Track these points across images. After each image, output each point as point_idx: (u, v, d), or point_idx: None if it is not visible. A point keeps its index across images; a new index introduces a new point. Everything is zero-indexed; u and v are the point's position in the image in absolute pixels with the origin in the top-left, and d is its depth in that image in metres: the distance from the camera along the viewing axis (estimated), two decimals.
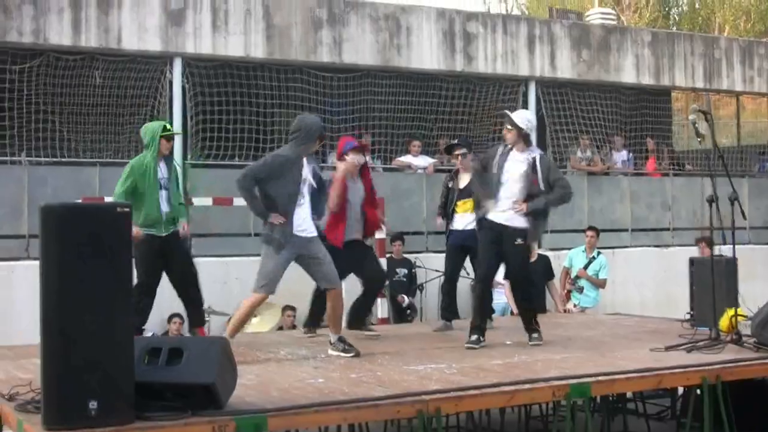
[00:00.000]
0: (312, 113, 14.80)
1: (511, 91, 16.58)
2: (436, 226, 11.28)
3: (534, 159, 8.98)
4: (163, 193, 9.40)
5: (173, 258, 9.46)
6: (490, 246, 8.99)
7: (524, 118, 9.15)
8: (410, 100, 15.80)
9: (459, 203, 10.45)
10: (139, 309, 9.44)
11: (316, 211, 8.46)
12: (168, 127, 9.60)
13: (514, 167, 8.96)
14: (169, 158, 9.56)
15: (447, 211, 10.67)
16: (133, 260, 9.37)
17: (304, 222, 8.22)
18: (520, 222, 8.93)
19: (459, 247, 10.47)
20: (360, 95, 15.51)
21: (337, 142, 15.31)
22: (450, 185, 10.69)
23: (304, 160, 8.22)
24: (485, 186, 9.12)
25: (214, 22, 14.32)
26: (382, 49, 15.55)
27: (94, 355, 5.07)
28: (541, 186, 8.95)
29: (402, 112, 15.71)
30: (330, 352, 8.21)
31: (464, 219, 10.33)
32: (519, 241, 8.95)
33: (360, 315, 9.92)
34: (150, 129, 9.53)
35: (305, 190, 8.24)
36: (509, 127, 9.00)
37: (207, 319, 12.15)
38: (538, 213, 9.01)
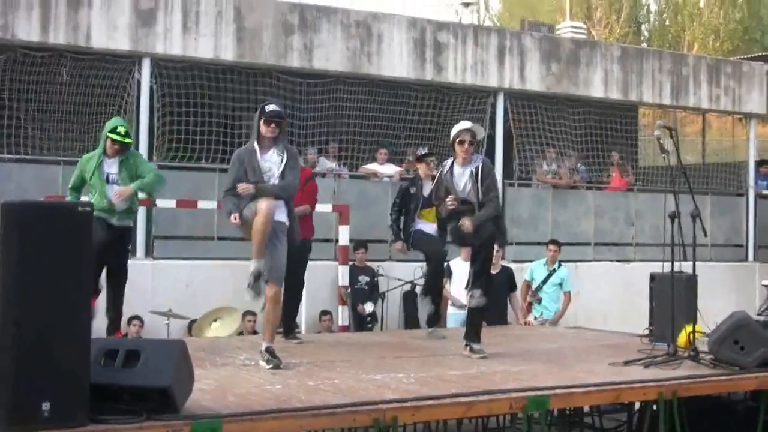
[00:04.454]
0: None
1: (479, 102, 16.61)
2: (397, 249, 11.10)
3: (473, 168, 8.94)
4: (113, 189, 9.42)
5: (113, 253, 9.42)
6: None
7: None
8: (379, 108, 15.78)
9: (423, 212, 10.46)
10: None
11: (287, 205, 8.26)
12: (119, 129, 9.47)
13: (464, 185, 8.95)
14: (124, 158, 9.51)
15: (407, 221, 10.67)
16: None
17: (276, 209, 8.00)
18: None
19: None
20: (329, 101, 15.49)
21: (304, 148, 15.45)
22: (413, 191, 10.67)
23: (271, 152, 8.11)
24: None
25: (185, 23, 14.27)
26: (353, 56, 15.55)
27: (49, 355, 5.03)
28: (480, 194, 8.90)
29: (370, 119, 15.69)
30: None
31: (429, 226, 10.37)
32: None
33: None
34: (106, 124, 9.67)
35: (274, 181, 8.08)
36: (471, 141, 8.98)
37: (166, 322, 12.18)
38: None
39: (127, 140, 9.54)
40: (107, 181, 9.44)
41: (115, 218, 9.46)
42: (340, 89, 15.53)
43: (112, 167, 9.47)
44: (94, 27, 13.75)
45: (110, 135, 9.41)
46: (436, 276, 10.63)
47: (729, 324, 8.30)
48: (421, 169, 10.81)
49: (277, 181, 8.09)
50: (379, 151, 15.84)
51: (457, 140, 8.94)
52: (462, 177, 8.92)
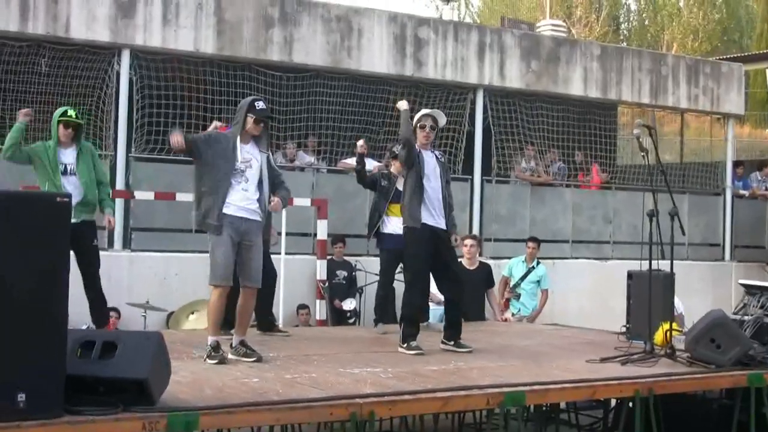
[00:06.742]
0: None
1: (459, 98, 16.61)
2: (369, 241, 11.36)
3: (439, 155, 9.22)
4: (70, 179, 9.15)
5: (78, 249, 8.89)
6: (429, 254, 8.97)
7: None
8: (358, 103, 15.75)
9: (393, 207, 10.42)
10: None
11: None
12: (69, 113, 9.23)
13: (434, 167, 9.03)
14: (79, 145, 9.30)
15: (376, 213, 10.75)
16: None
17: (245, 202, 7.93)
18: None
19: (396, 253, 10.35)
20: (308, 96, 15.45)
21: (283, 142, 15.41)
22: (383, 183, 10.68)
23: (251, 144, 8.00)
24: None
25: (165, 15, 14.20)
26: (333, 51, 15.52)
27: (25, 346, 5.00)
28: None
29: (349, 114, 15.66)
30: (230, 356, 7.90)
31: (398, 223, 10.31)
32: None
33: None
34: (54, 114, 9.35)
35: (250, 174, 7.94)
36: (433, 126, 9.11)
37: (143, 314, 12.13)
38: None
39: (79, 120, 9.30)
40: (65, 172, 9.17)
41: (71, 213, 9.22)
42: (319, 83, 15.49)
43: (68, 157, 9.21)
44: (74, 18, 13.66)
45: (62, 119, 9.15)
46: (387, 299, 10.94)
47: (705, 322, 8.33)
48: (395, 166, 10.74)
49: (255, 173, 7.98)
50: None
51: (419, 125, 9.08)
52: (430, 158, 9.04)
